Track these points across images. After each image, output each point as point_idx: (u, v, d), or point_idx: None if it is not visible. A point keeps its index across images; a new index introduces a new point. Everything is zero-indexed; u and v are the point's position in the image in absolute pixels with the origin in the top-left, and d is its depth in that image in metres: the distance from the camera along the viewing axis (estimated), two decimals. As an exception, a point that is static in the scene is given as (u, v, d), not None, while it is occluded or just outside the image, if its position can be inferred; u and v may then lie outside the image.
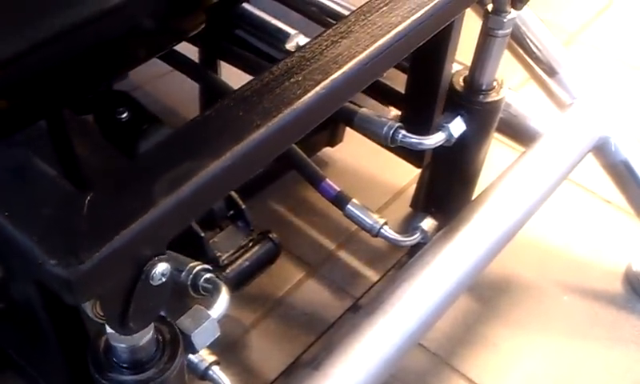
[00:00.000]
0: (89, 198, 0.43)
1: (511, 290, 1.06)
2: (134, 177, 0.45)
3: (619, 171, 1.06)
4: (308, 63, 0.52)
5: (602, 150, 1.05)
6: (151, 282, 0.43)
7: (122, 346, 0.48)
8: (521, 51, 1.08)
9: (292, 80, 0.50)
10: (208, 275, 0.64)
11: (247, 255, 0.83)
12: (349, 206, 0.86)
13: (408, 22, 0.57)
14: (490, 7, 0.82)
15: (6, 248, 0.43)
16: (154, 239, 0.43)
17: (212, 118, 0.48)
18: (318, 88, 0.50)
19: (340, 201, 0.87)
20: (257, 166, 0.49)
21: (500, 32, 0.82)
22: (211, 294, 0.62)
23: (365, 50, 0.54)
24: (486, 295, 1.04)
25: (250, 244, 0.85)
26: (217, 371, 0.61)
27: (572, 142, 1.00)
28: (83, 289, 0.40)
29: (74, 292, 0.39)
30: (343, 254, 1.07)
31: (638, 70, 1.63)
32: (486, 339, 0.98)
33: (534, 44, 1.08)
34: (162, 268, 0.43)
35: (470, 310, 1.02)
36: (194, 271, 0.64)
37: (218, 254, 0.81)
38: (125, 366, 0.50)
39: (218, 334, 0.56)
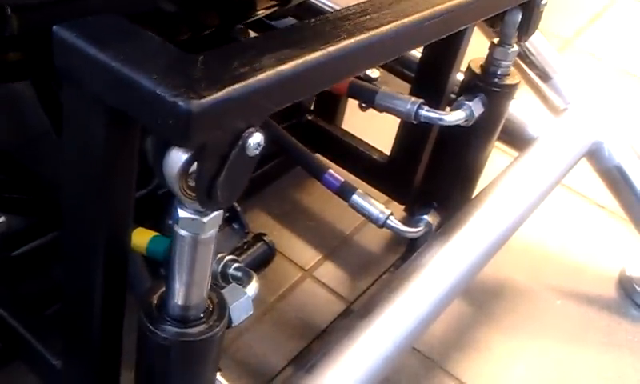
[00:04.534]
0: (200, 58, 0.45)
1: (505, 294, 1.06)
2: (240, 50, 0.47)
3: (613, 176, 1.07)
4: (379, 9, 0.58)
5: (595, 155, 1.06)
6: (246, 150, 0.45)
7: (189, 236, 0.49)
8: (515, 57, 1.08)
9: (367, 17, 0.56)
10: (237, 264, 0.70)
11: (241, 257, 0.83)
12: (354, 197, 0.85)
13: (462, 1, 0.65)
14: (495, 40, 0.85)
15: (114, 92, 0.45)
16: (257, 106, 0.46)
17: (302, 27, 0.53)
18: (392, 25, 0.56)
19: (345, 191, 0.86)
20: (341, 74, 0.56)
21: (504, 63, 0.85)
22: (241, 280, 0.67)
23: (426, 10, 0.61)
24: (480, 299, 1.04)
25: (245, 246, 0.84)
26: (218, 377, 0.61)
27: (566, 147, 1.00)
28: (199, 126, 0.42)
29: (191, 127, 0.41)
30: (337, 257, 1.07)
31: (632, 75, 1.64)
32: (479, 343, 0.98)
33: (528, 49, 1.09)
34: (257, 138, 0.46)
35: (464, 314, 1.02)
36: (224, 261, 0.70)
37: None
38: (175, 320, 0.52)
39: (252, 312, 0.59)
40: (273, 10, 0.82)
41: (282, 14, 0.94)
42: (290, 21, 1.00)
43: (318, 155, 1.11)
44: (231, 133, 0.45)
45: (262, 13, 0.80)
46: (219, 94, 0.42)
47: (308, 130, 1.12)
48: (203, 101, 0.41)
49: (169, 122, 0.42)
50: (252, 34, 1.01)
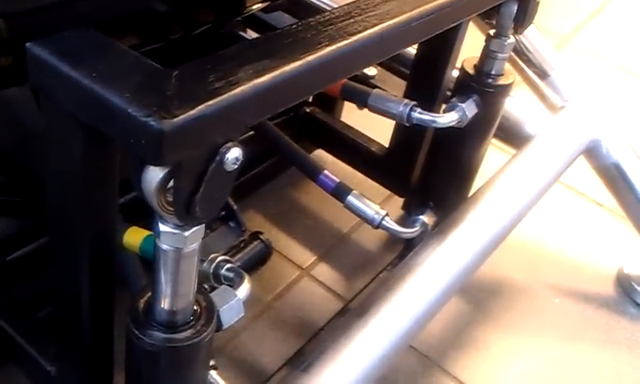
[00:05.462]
0: (175, 73, 0.45)
1: (503, 292, 1.06)
2: (216, 63, 0.47)
3: (611, 174, 1.06)
4: (364, 11, 0.57)
5: (593, 153, 1.05)
6: (224, 166, 0.45)
7: (171, 249, 0.49)
8: (513, 54, 1.08)
9: (351, 20, 0.56)
10: (229, 265, 0.69)
11: (238, 256, 0.83)
12: (350, 197, 0.85)
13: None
14: (492, 32, 0.85)
15: (87, 110, 0.44)
16: (233, 121, 0.45)
17: (283, 34, 0.52)
18: (376, 29, 0.55)
19: (340, 192, 0.86)
20: (322, 83, 0.55)
21: (500, 55, 0.85)
22: (233, 281, 0.67)
23: (413, 9, 0.60)
24: (478, 297, 1.04)
25: (242, 245, 0.84)
26: (214, 376, 0.61)
27: (563, 145, 1.00)
28: (172, 145, 0.41)
29: (163, 146, 0.40)
30: (335, 256, 1.07)
31: (630, 72, 1.64)
32: (477, 341, 0.98)
33: (525, 47, 1.09)
34: (235, 153, 0.45)
35: (462, 312, 1.02)
36: (216, 261, 0.69)
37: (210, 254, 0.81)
38: (162, 325, 0.52)
39: (243, 314, 0.59)
40: (266, 4, 0.81)
41: (274, 9, 0.93)
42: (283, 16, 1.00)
43: (316, 152, 1.12)
44: (208, 149, 0.44)
45: (255, 8, 0.80)
46: (192, 112, 0.41)
47: (306, 122, 1.12)
48: (175, 120, 0.40)
49: (141, 142, 0.41)
50: (248, 30, 1.01)
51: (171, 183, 0.44)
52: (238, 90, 0.44)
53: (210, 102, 0.43)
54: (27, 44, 0.45)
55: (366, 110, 0.91)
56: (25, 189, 0.86)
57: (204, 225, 0.49)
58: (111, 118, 0.42)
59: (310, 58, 0.50)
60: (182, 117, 0.41)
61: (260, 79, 0.46)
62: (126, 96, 0.41)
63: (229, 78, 0.45)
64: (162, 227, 0.48)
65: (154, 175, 0.44)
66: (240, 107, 0.45)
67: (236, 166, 0.46)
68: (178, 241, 0.48)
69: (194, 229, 0.48)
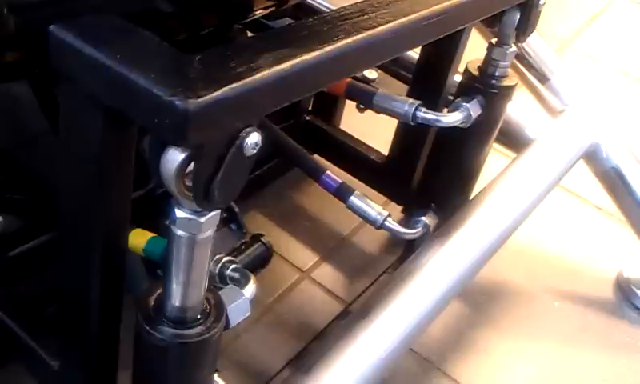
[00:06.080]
0: (197, 58, 0.46)
1: (502, 295, 1.06)
2: (237, 49, 0.48)
3: (610, 178, 1.07)
4: (377, 9, 0.58)
5: (593, 157, 1.06)
6: (244, 150, 0.46)
7: (185, 236, 0.49)
8: (513, 58, 1.09)
9: (365, 17, 0.57)
10: (234, 266, 0.70)
11: (239, 258, 0.83)
12: (352, 198, 0.85)
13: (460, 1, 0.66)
14: (494, 40, 0.85)
15: (110, 91, 0.44)
16: (254, 106, 0.46)
17: (299, 27, 0.53)
18: (390, 25, 0.57)
19: (342, 193, 0.86)
20: (337, 75, 0.56)
21: (502, 63, 0.86)
22: (239, 281, 0.68)
23: (425, 9, 0.61)
24: (478, 301, 1.04)
25: (243, 247, 0.84)
26: (215, 378, 0.62)
27: (563, 149, 1.01)
28: (196, 125, 0.42)
29: (188, 127, 0.41)
30: (335, 259, 1.07)
31: (630, 76, 1.65)
32: (476, 345, 0.98)
33: (525, 51, 1.09)
34: (255, 138, 0.46)
35: (462, 315, 1.02)
36: (222, 262, 0.70)
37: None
38: (172, 321, 0.52)
39: (249, 313, 0.60)
40: (270, 10, 0.82)
41: (279, 15, 0.93)
42: (287, 21, 1.00)
43: (315, 156, 1.12)
44: (228, 132, 0.45)
45: (259, 13, 0.81)
46: (216, 94, 0.42)
47: (306, 130, 1.12)
48: (200, 100, 0.41)
49: (166, 122, 0.42)
50: (250, 34, 1.02)
51: (190, 167, 0.45)
52: (258, 76, 0.45)
53: (233, 86, 0.43)
54: (50, 27, 0.46)
55: (364, 117, 0.92)
56: (24, 188, 0.86)
57: (219, 211, 0.50)
58: (135, 98, 0.43)
59: (328, 48, 0.51)
60: (206, 98, 0.42)
61: (280, 66, 0.47)
62: (152, 77, 0.42)
63: (250, 63, 0.46)
64: (178, 213, 0.48)
65: (175, 158, 0.45)
66: (261, 92, 0.46)
67: (255, 151, 0.47)
68: (194, 227, 0.48)
69: (210, 215, 0.49)
